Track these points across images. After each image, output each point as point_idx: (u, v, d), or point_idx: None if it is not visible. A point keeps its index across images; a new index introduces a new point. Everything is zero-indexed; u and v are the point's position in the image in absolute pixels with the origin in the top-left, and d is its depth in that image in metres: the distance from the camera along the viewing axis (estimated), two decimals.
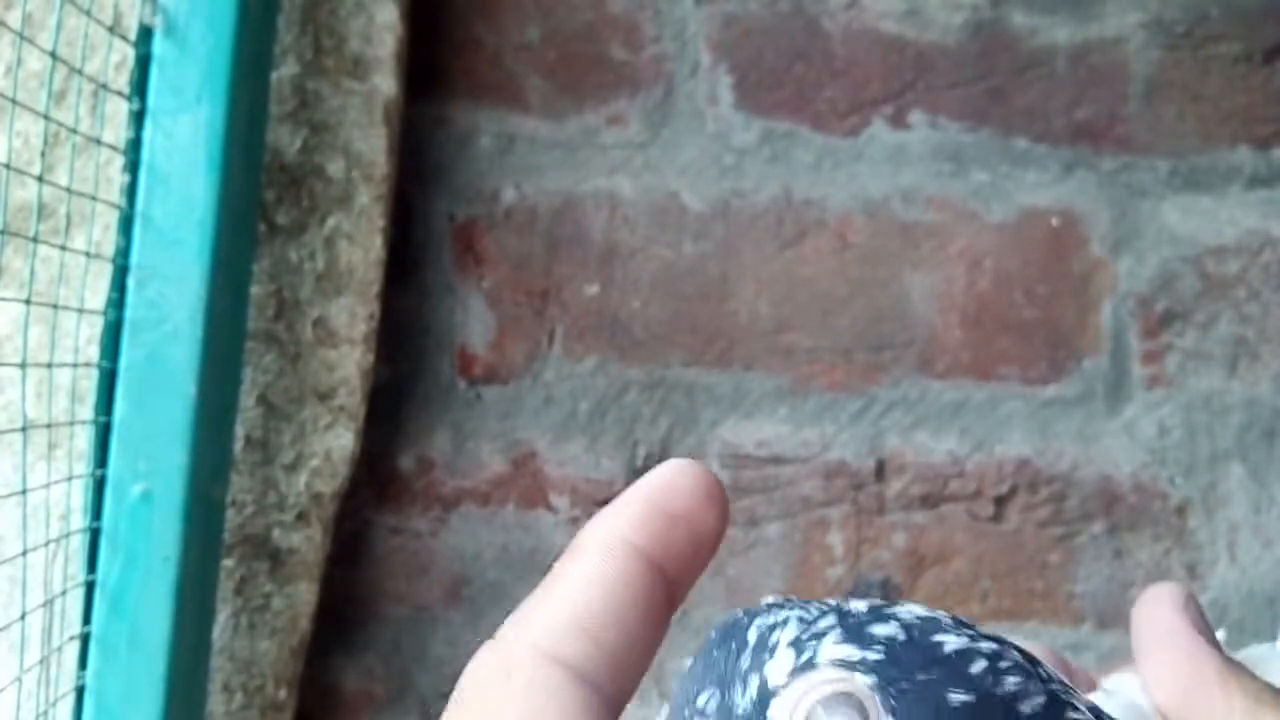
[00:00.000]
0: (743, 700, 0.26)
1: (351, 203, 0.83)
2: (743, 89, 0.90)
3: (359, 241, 0.83)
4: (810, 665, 0.26)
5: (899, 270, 0.89)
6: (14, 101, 0.67)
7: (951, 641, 0.27)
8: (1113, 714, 0.28)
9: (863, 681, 0.25)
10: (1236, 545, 0.87)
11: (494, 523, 0.87)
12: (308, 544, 0.82)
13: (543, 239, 0.89)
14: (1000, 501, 0.88)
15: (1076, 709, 0.26)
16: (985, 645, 0.27)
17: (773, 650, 0.26)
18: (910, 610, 0.27)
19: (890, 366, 0.88)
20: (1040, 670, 0.27)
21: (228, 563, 0.80)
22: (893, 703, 0.25)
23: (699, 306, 0.89)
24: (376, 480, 0.87)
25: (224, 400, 0.78)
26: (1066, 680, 0.27)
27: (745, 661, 0.26)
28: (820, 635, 0.26)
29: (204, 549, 0.76)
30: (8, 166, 0.67)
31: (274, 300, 0.82)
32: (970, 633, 0.27)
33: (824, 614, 0.27)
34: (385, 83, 0.83)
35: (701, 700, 0.26)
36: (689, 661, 0.27)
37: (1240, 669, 0.32)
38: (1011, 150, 0.89)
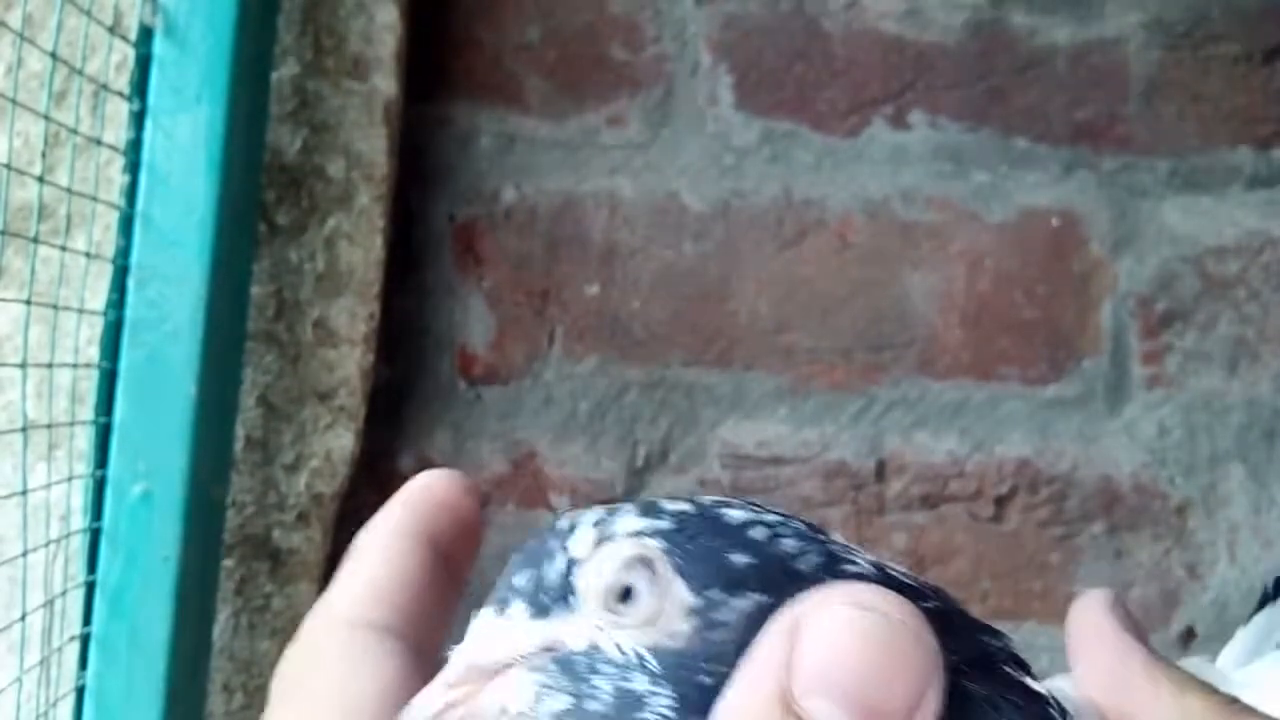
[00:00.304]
0: (551, 573, 0.29)
1: (351, 203, 0.83)
2: (743, 89, 0.90)
3: (359, 241, 0.83)
4: (608, 538, 0.28)
5: (899, 270, 0.89)
6: (14, 102, 0.67)
7: (736, 514, 0.29)
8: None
9: (653, 545, 0.28)
10: (1236, 545, 0.87)
11: (494, 523, 0.87)
12: (308, 544, 0.82)
13: (543, 239, 0.89)
14: (1000, 502, 0.88)
15: (854, 563, 0.28)
16: (769, 517, 0.29)
17: (574, 530, 0.29)
18: (709, 497, 0.30)
19: (890, 366, 0.88)
20: (822, 535, 0.29)
21: (228, 563, 0.80)
22: (679, 562, 0.28)
23: (699, 306, 0.89)
24: (377, 480, 0.87)
25: (224, 400, 0.78)
26: (850, 545, 0.30)
27: (553, 543, 0.29)
28: (617, 514, 0.29)
29: (204, 549, 0.76)
30: (8, 167, 0.67)
31: (274, 300, 0.82)
32: (757, 509, 0.30)
33: (624, 504, 0.30)
34: (385, 83, 0.83)
35: (517, 580, 0.29)
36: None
37: (1165, 662, 0.33)
38: (1011, 150, 0.89)
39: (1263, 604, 0.59)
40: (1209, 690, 0.33)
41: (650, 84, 0.90)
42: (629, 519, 0.29)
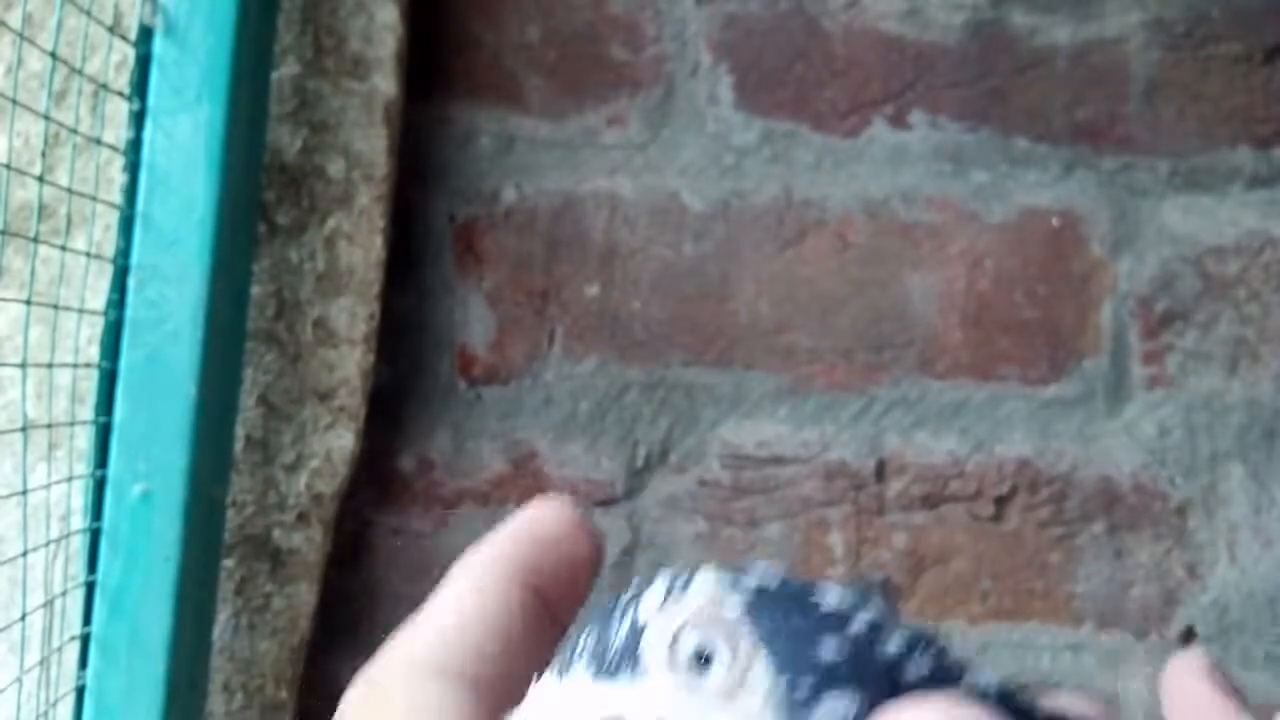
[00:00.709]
0: (616, 633, 0.26)
1: (351, 203, 0.83)
2: (743, 89, 0.90)
3: (359, 241, 0.83)
4: (679, 598, 0.26)
5: (899, 270, 0.89)
6: (14, 102, 0.67)
7: (832, 600, 0.26)
8: None
9: (731, 607, 0.25)
10: (1236, 545, 0.87)
11: (494, 523, 0.87)
12: (308, 544, 0.82)
13: (543, 239, 0.89)
14: (1000, 502, 0.88)
15: (969, 676, 0.25)
16: (868, 614, 0.26)
17: (645, 588, 0.26)
18: (800, 579, 0.27)
19: (890, 366, 0.88)
20: (934, 639, 0.26)
21: (228, 563, 0.80)
22: (764, 634, 0.25)
23: (699, 306, 0.89)
24: (377, 480, 0.87)
25: (224, 400, 0.78)
26: (968, 660, 0.26)
27: (623, 600, 0.26)
28: (693, 576, 0.26)
29: (204, 549, 0.76)
30: (8, 167, 0.67)
31: (274, 300, 0.82)
32: (854, 598, 0.26)
33: (703, 566, 0.27)
34: (385, 83, 0.83)
35: (582, 639, 0.26)
36: None
37: None
38: (1011, 150, 0.89)
39: None
40: None
41: (650, 84, 0.90)
42: (704, 581, 0.26)
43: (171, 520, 0.72)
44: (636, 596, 0.26)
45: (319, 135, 0.83)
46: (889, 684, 0.24)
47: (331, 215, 0.82)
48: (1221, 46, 0.90)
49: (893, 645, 0.25)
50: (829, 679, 0.24)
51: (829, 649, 0.25)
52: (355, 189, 0.83)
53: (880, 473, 0.88)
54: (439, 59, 0.89)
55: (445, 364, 0.89)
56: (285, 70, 0.82)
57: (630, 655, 0.25)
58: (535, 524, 0.31)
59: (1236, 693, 0.32)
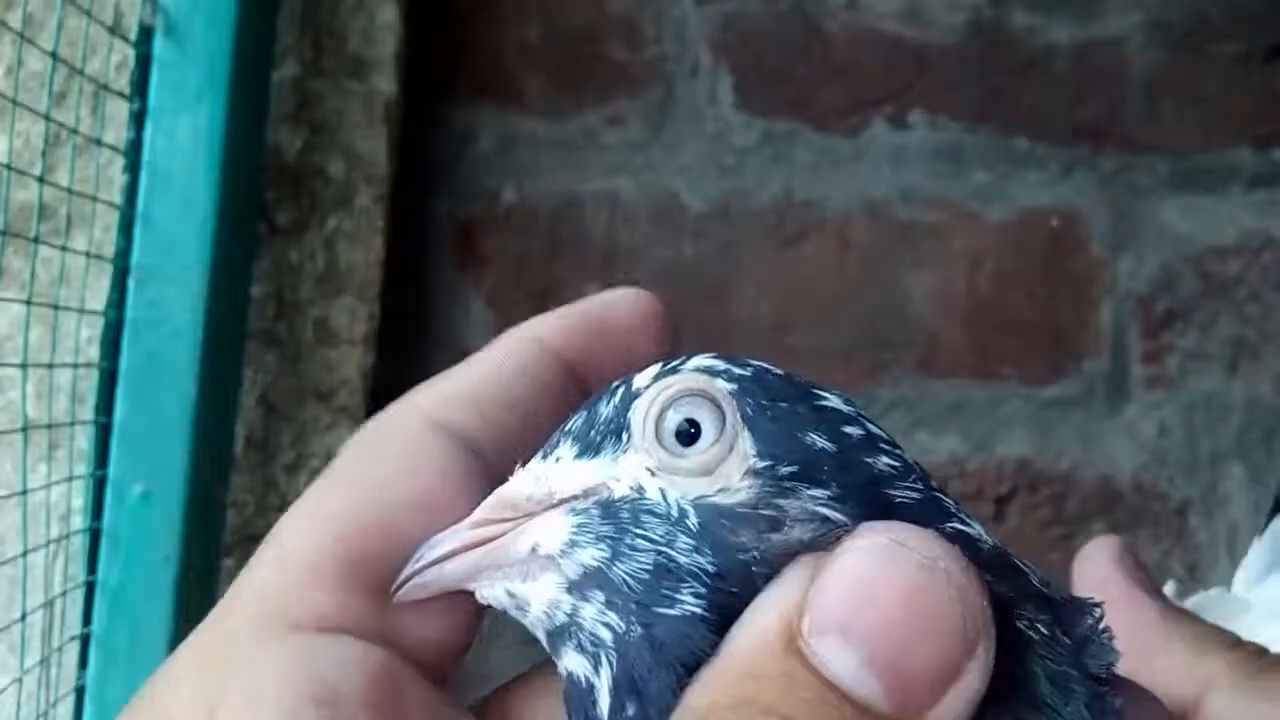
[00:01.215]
0: (606, 408, 0.26)
1: (351, 203, 0.83)
2: (743, 89, 0.90)
3: (359, 241, 0.83)
4: (673, 370, 0.25)
5: (899, 270, 0.89)
6: (14, 102, 0.67)
7: (833, 400, 0.25)
8: None
9: (722, 386, 0.25)
10: (1236, 545, 0.87)
11: None
12: None
13: (543, 239, 0.89)
14: (1000, 501, 0.88)
15: (961, 520, 0.24)
16: (874, 428, 0.25)
17: (638, 373, 0.26)
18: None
19: (890, 366, 0.88)
20: (934, 484, 0.25)
21: (228, 563, 0.80)
22: (749, 413, 0.24)
23: (699, 306, 0.89)
24: None
25: (224, 400, 0.78)
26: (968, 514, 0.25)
27: (615, 383, 0.26)
28: (692, 356, 0.26)
29: (204, 549, 0.76)
30: (8, 167, 0.67)
31: (274, 300, 0.82)
32: (860, 412, 0.26)
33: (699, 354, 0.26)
34: (385, 83, 0.83)
35: (570, 423, 0.26)
36: None
37: (1181, 614, 0.31)
38: (1011, 150, 0.89)
39: (1275, 511, 0.57)
40: (1231, 644, 0.31)
41: (650, 84, 0.90)
42: (702, 358, 0.26)
43: (171, 520, 0.72)
44: (628, 379, 0.26)
45: (319, 135, 0.83)
46: (873, 497, 0.24)
47: (331, 215, 0.82)
48: (1221, 46, 0.90)
49: (884, 460, 0.24)
50: (811, 470, 0.24)
51: (817, 439, 0.24)
52: (355, 189, 0.83)
53: None
54: (439, 59, 0.89)
55: (445, 364, 0.89)
56: (285, 70, 0.82)
57: (615, 429, 0.25)
58: (605, 308, 0.30)
59: (1145, 577, 0.32)
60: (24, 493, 0.67)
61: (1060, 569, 0.96)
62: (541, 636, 0.25)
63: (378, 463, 0.27)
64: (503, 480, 0.27)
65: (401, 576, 0.26)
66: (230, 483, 0.80)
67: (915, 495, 0.24)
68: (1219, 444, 0.88)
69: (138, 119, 0.74)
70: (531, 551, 0.25)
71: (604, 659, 0.24)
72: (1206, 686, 0.30)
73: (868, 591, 0.22)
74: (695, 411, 0.25)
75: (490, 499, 0.26)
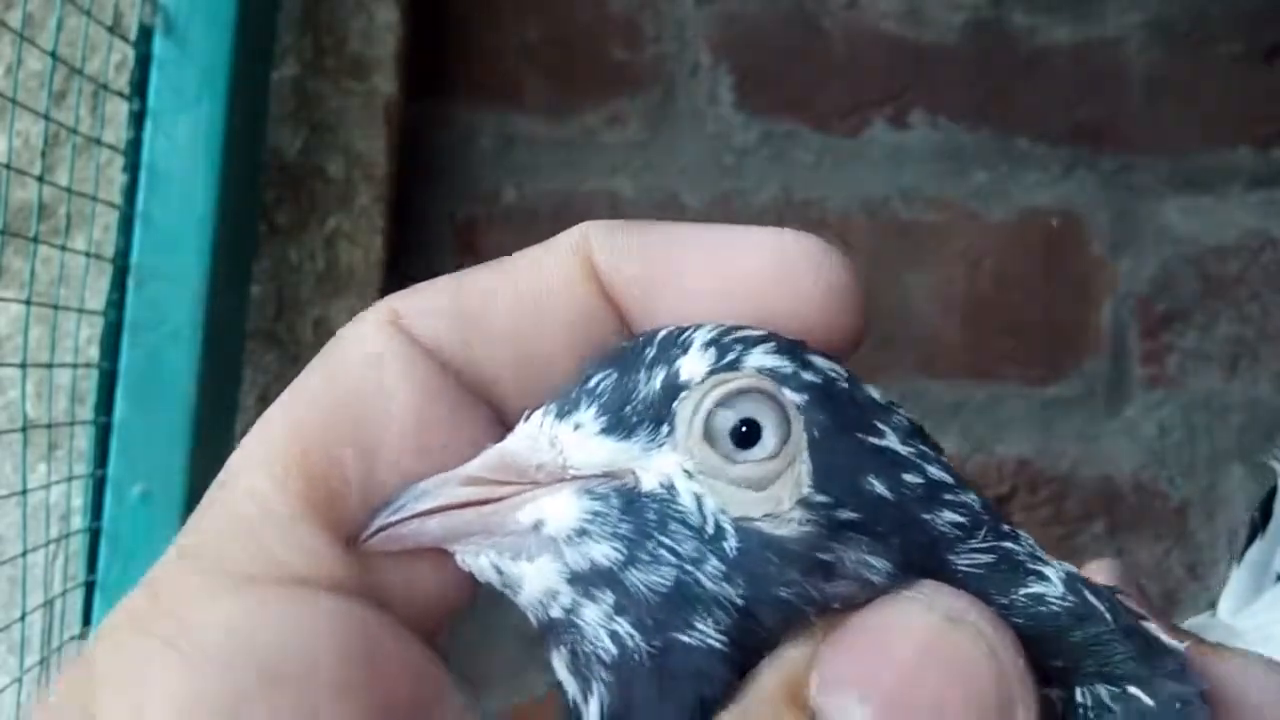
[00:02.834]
0: (643, 387, 0.22)
1: (351, 203, 0.83)
2: (743, 89, 0.90)
3: (359, 241, 0.83)
4: (732, 366, 0.22)
5: (899, 270, 0.89)
6: (14, 102, 0.67)
7: (892, 440, 0.23)
8: None
9: (791, 397, 0.22)
10: (1236, 545, 0.87)
11: None
12: None
13: (543, 239, 0.89)
14: (1000, 501, 0.88)
15: (1039, 572, 0.22)
16: (938, 471, 0.23)
17: (685, 346, 0.22)
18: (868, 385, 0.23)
19: (890, 366, 0.88)
20: (1008, 528, 0.23)
21: None
22: (815, 435, 0.22)
23: None
24: None
25: (224, 400, 0.78)
26: (1042, 553, 0.23)
27: (651, 352, 0.23)
28: (745, 340, 0.22)
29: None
30: (8, 167, 0.67)
31: (274, 300, 0.82)
32: (930, 444, 0.23)
33: (749, 328, 0.23)
34: (385, 83, 0.83)
35: (596, 382, 0.23)
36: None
37: (1183, 634, 0.32)
38: (1011, 150, 0.89)
39: (1252, 537, 0.57)
40: None
41: (650, 84, 0.90)
42: (764, 352, 0.22)
43: (171, 520, 0.72)
44: (671, 346, 0.22)
45: (319, 135, 0.83)
46: (933, 562, 0.21)
47: (331, 215, 0.82)
48: (1221, 46, 0.90)
49: (947, 516, 0.22)
50: (871, 521, 0.21)
51: (877, 486, 0.22)
52: (355, 189, 0.83)
53: None
54: (439, 59, 0.89)
55: None
56: (285, 70, 0.82)
57: (655, 416, 0.22)
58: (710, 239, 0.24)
59: (1147, 602, 0.32)
60: (24, 493, 0.67)
61: None
62: (534, 622, 0.23)
63: (348, 380, 0.23)
64: (500, 421, 0.23)
65: (375, 524, 0.22)
66: None
67: (981, 558, 0.22)
68: (1219, 444, 0.88)
69: (137, 119, 0.74)
70: (534, 528, 0.22)
71: (595, 686, 0.22)
72: None
73: (882, 647, 0.20)
74: (758, 412, 0.22)
75: (491, 454, 0.23)
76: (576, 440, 0.22)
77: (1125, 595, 0.23)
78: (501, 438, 0.23)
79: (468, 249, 0.89)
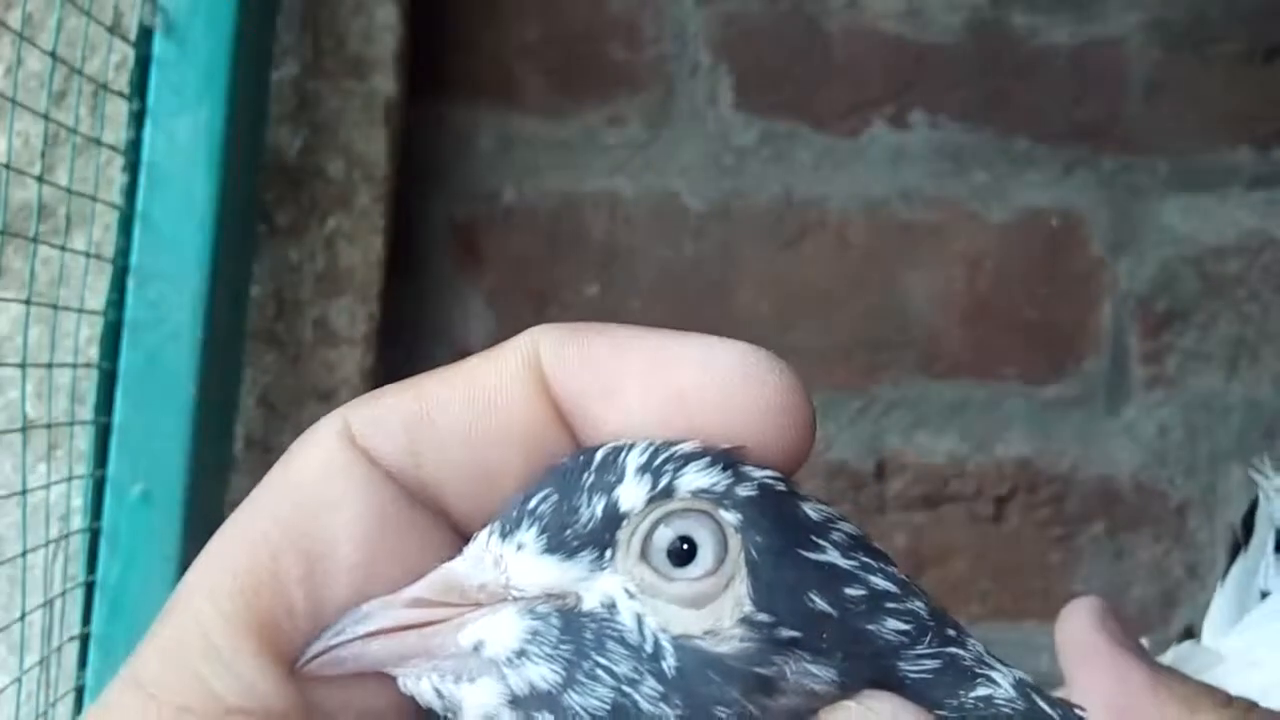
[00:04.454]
0: (584, 510, 0.22)
1: (351, 203, 0.83)
2: (743, 89, 0.90)
3: (359, 241, 0.83)
4: (667, 493, 0.22)
5: (899, 270, 0.89)
6: (14, 101, 0.67)
7: (836, 544, 0.23)
8: None
9: (728, 518, 0.22)
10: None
11: None
12: None
13: (543, 239, 0.89)
14: (1000, 501, 0.88)
15: (985, 677, 0.23)
16: (878, 580, 0.23)
17: (621, 472, 0.23)
18: (804, 491, 0.24)
19: (890, 366, 0.88)
20: (950, 626, 0.23)
21: None
22: (754, 555, 0.22)
23: (699, 306, 0.89)
24: None
25: (224, 400, 0.78)
26: (987, 654, 0.23)
27: (589, 477, 0.23)
28: (682, 461, 0.23)
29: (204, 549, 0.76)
30: (8, 166, 0.67)
31: (274, 300, 0.82)
32: (861, 546, 0.23)
33: (683, 444, 0.23)
34: (385, 83, 0.83)
35: (537, 504, 0.23)
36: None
37: (1169, 674, 0.32)
38: (1011, 150, 0.89)
39: (1234, 556, 0.57)
40: (1222, 701, 0.31)
41: (650, 84, 0.90)
42: (698, 470, 0.22)
43: (171, 520, 0.72)
44: (610, 469, 0.23)
45: (319, 135, 0.83)
46: (878, 670, 0.22)
47: (331, 215, 0.82)
48: (1221, 46, 0.90)
49: (891, 624, 0.22)
50: (813, 637, 0.22)
51: (818, 601, 0.22)
52: (355, 189, 0.83)
53: (880, 472, 0.88)
54: (439, 59, 0.89)
55: (445, 364, 0.89)
56: (285, 70, 0.82)
57: (598, 542, 0.22)
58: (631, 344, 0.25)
59: (1131, 638, 0.32)
60: (24, 493, 0.67)
61: (1060, 569, 0.96)
62: None
63: (299, 496, 0.23)
64: (453, 531, 0.24)
65: (315, 648, 0.22)
66: (230, 483, 0.80)
67: (929, 664, 0.22)
68: (1219, 444, 0.88)
69: (137, 119, 0.74)
70: (474, 649, 0.22)
71: None
72: None
73: None
74: (694, 529, 0.22)
75: (436, 575, 0.23)
76: (519, 560, 0.23)
77: (1081, 710, 0.23)
78: (456, 549, 0.23)
79: (468, 249, 0.89)
